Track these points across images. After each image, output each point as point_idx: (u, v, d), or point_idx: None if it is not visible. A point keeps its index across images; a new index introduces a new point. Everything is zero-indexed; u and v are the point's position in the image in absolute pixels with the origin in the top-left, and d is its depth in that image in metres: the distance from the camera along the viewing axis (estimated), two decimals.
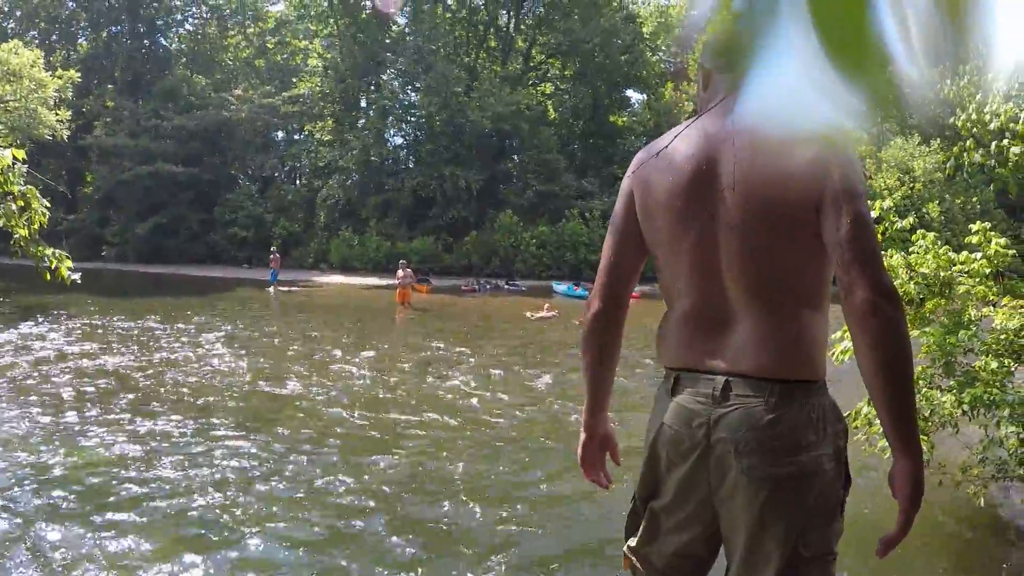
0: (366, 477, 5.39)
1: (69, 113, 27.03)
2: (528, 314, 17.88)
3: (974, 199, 33.59)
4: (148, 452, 5.69)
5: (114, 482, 5.00)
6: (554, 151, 34.43)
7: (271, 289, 24.44)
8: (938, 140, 31.77)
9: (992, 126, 5.36)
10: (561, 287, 27.46)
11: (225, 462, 5.54)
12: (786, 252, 1.48)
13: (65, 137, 26.60)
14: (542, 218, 33.29)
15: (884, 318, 1.33)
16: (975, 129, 5.58)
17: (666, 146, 1.60)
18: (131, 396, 7.69)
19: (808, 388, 1.48)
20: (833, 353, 4.84)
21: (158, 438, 6.10)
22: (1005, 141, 5.28)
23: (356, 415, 7.24)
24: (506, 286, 29.02)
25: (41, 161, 33.63)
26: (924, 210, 39.95)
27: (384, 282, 28.42)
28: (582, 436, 1.80)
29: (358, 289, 29.14)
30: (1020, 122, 5.18)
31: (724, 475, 1.49)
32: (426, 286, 28.40)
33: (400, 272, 21.42)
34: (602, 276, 1.71)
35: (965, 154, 5.97)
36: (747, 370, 1.49)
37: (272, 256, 26.38)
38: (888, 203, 5.24)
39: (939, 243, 5.25)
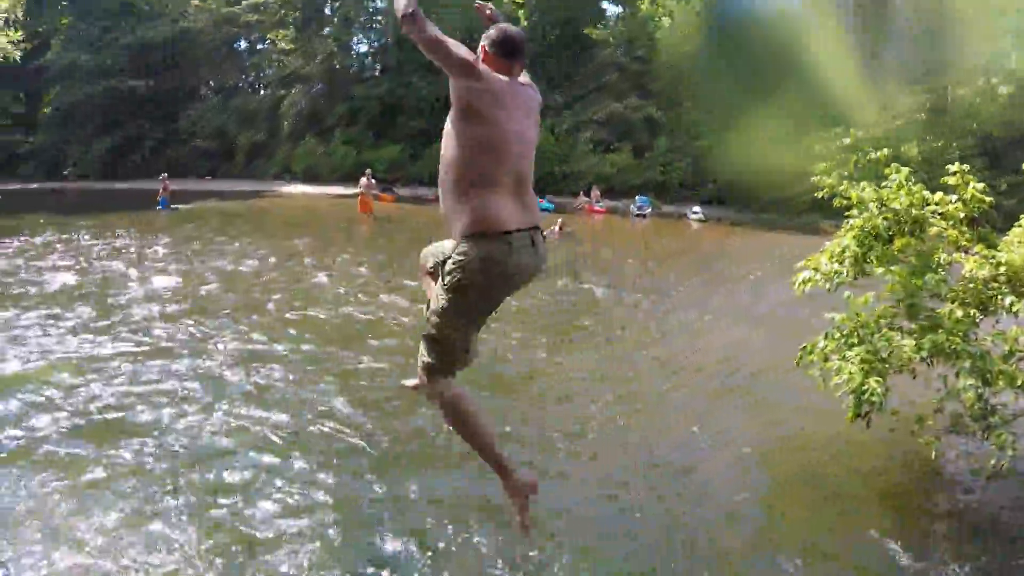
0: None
1: (20, 34, 26.56)
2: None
3: (955, 144, 30.54)
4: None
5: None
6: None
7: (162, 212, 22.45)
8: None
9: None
10: None
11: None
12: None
13: (18, 59, 26.27)
14: None
15: None
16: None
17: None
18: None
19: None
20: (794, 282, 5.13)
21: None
22: (995, 79, 5.22)
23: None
24: None
25: None
26: (902, 149, 38.27)
27: (350, 191, 28.85)
28: None
29: (322, 199, 29.64)
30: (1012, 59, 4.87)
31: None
32: (391, 195, 29.03)
33: (363, 181, 21.91)
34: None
35: (949, 88, 5.81)
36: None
37: (162, 184, 23.49)
38: (861, 132, 5.06)
39: (913, 180, 5.00)
